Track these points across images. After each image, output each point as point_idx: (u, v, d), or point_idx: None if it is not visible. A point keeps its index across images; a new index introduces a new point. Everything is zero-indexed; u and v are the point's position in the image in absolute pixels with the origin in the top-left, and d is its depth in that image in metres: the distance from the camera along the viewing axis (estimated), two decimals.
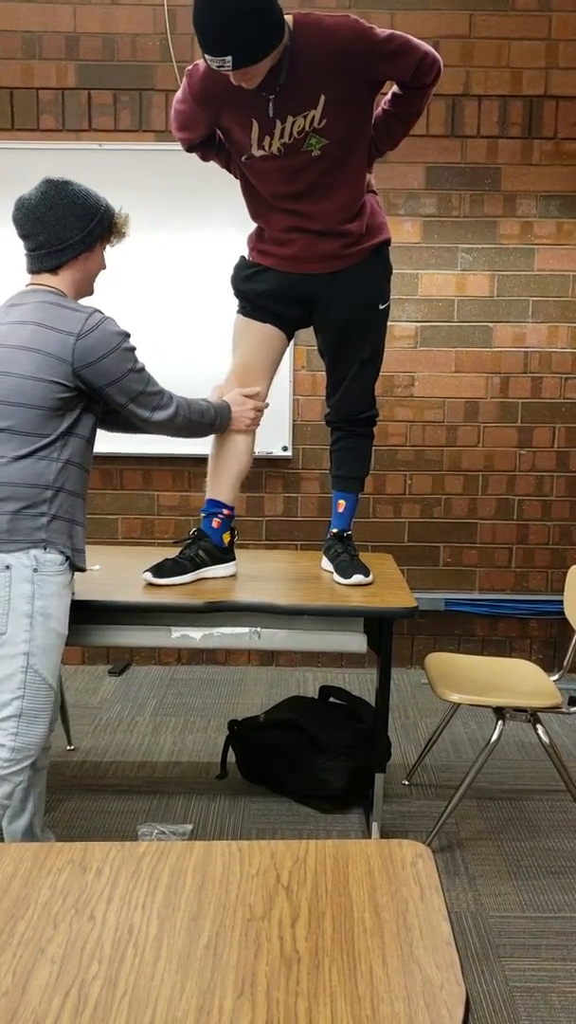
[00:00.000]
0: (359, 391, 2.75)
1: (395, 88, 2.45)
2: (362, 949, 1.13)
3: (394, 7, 3.80)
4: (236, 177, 2.65)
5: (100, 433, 2.37)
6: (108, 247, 2.32)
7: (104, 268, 2.33)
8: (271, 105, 2.33)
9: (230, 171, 2.67)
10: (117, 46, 3.96)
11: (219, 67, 2.17)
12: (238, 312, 2.73)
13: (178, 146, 2.46)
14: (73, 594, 2.30)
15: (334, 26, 2.25)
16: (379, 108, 2.51)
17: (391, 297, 2.73)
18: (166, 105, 3.96)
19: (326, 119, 2.36)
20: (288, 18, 2.24)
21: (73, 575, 2.27)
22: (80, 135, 3.99)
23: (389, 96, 2.49)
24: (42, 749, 2.19)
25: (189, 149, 2.61)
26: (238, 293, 2.72)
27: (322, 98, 2.32)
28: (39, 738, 2.16)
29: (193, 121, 2.48)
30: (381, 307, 2.69)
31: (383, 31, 2.28)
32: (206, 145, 2.59)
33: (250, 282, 2.68)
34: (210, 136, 2.56)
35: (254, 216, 2.65)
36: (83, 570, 2.29)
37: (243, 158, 2.48)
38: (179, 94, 2.45)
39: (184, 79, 2.41)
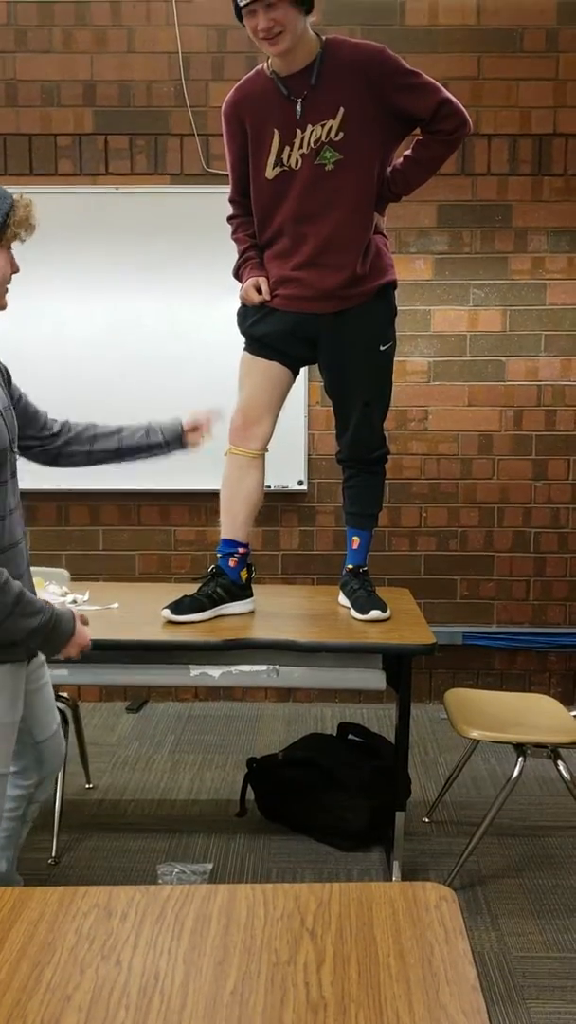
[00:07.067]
0: (366, 432, 2.77)
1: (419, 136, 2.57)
2: (388, 995, 1.13)
3: (403, 50, 3.87)
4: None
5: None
6: (17, 243, 1.88)
7: (16, 271, 1.89)
8: (299, 106, 2.46)
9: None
10: (133, 92, 4.05)
11: (245, 3, 2.30)
12: (244, 350, 2.76)
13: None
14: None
15: (360, 45, 2.48)
16: (401, 156, 2.62)
17: (397, 335, 2.75)
18: (181, 149, 4.04)
19: (343, 133, 2.48)
20: (322, 38, 2.47)
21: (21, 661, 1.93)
22: (97, 179, 4.07)
23: (413, 143, 2.60)
24: (28, 803, 2.14)
25: (232, 217, 2.73)
26: (244, 335, 2.76)
27: (341, 110, 2.46)
28: None
29: (234, 166, 2.63)
30: (382, 348, 2.70)
31: (413, 68, 2.46)
32: (244, 208, 2.68)
33: (256, 325, 2.70)
34: (247, 203, 2.66)
35: (264, 249, 2.69)
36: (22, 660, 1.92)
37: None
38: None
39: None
